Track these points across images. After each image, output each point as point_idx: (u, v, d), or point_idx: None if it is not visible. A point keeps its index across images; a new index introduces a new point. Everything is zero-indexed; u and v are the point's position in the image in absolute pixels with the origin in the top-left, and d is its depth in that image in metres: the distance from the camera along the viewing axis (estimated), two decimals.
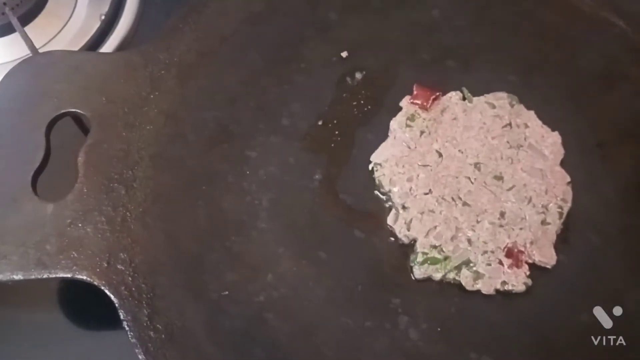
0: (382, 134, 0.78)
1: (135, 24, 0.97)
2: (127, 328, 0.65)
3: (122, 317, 0.65)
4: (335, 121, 0.79)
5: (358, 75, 0.83)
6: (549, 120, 0.79)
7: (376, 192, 0.76)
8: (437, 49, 0.83)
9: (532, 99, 0.80)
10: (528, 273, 0.71)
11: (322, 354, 0.67)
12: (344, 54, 0.85)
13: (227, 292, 0.69)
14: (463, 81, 0.81)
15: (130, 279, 0.68)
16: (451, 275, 0.71)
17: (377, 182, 0.76)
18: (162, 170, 0.75)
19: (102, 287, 0.66)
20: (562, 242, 0.73)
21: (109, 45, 0.95)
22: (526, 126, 0.79)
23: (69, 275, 0.66)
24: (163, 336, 0.65)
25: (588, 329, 0.69)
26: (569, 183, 0.77)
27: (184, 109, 0.78)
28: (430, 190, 0.75)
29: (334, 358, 0.67)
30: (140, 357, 0.64)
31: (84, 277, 0.66)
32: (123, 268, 0.68)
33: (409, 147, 0.77)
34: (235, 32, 0.83)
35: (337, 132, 0.79)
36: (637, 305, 0.70)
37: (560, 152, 0.78)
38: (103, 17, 0.96)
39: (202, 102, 0.79)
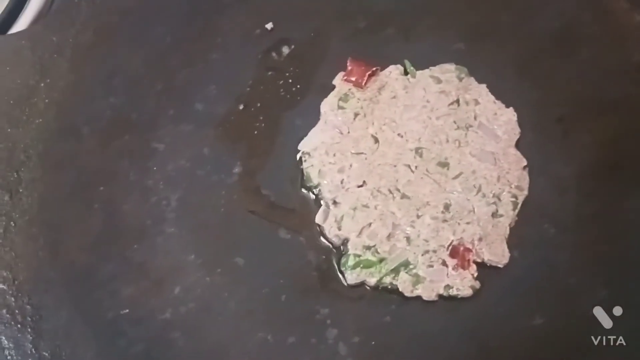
0: (313, 118, 0.73)
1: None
2: (8, 357, 0.60)
3: (2, 344, 0.61)
4: (258, 104, 0.74)
5: (285, 50, 0.77)
6: (503, 94, 0.73)
7: (304, 186, 0.70)
8: (374, 15, 0.77)
9: (483, 71, 0.74)
10: (476, 274, 0.66)
11: None
12: (269, 26, 0.78)
13: (126, 310, 0.64)
14: (404, 53, 0.75)
15: (12, 299, 0.63)
16: (387, 280, 0.66)
17: (304, 174, 0.70)
18: (52, 171, 0.69)
19: None
20: (515, 236, 0.67)
21: (21, 24, 0.86)
22: (476, 103, 0.73)
23: None
24: None
25: (541, 335, 0.64)
26: (525, 167, 0.70)
27: (78, 98, 0.73)
28: (364, 182, 0.70)
29: None
30: None
31: None
32: (5, 287, 0.63)
33: (341, 133, 0.72)
34: (139, 4, 0.77)
35: (260, 117, 0.73)
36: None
37: (515, 132, 0.72)
38: None
39: (98, 88, 0.73)
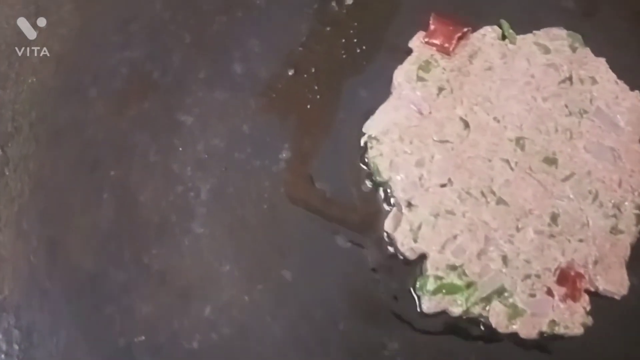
0: (382, 91, 0.67)
1: None
2: None
3: None
4: (312, 69, 0.68)
5: None
6: (626, 72, 0.66)
7: (370, 181, 0.65)
8: None
9: (601, 39, 0.67)
10: (589, 308, 0.60)
11: None
12: None
13: (142, 338, 0.58)
14: (501, 10, 0.68)
15: None
16: (476, 311, 0.61)
17: (371, 165, 0.65)
18: (49, 146, 0.63)
19: None
20: (636, 259, 0.61)
21: None
22: (593, 82, 0.67)
23: None
24: None
25: None
26: None
27: (83, 50, 0.67)
28: (449, 180, 0.64)
29: None
30: None
31: None
32: None
33: (421, 113, 0.66)
34: None
35: (315, 87, 0.67)
36: None
37: None
38: None
39: (111, 37, 0.67)
